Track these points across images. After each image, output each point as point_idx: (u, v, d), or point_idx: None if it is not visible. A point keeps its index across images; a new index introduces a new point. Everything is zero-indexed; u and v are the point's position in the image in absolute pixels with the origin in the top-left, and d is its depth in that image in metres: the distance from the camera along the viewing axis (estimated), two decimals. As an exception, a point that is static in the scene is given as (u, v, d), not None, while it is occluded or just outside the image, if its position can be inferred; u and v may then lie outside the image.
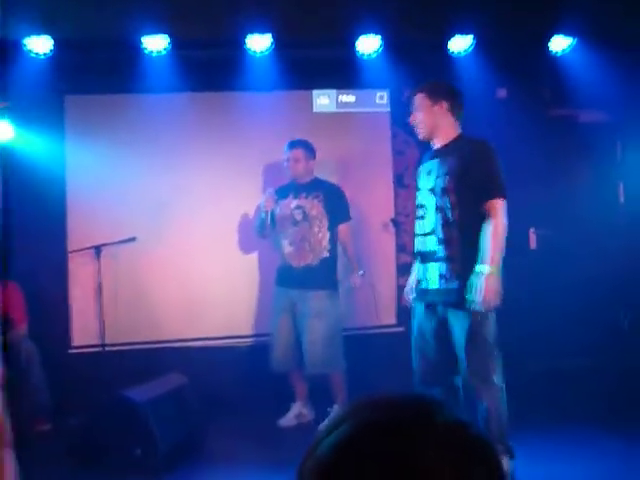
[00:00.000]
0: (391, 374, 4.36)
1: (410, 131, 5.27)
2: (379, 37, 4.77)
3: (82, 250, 4.79)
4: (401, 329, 5.19)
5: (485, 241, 2.98)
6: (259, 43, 4.67)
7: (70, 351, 4.93)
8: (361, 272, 4.43)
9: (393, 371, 4.40)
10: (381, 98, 5.27)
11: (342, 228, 4.41)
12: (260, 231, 4.52)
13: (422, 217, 3.20)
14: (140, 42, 4.54)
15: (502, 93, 5.29)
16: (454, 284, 3.05)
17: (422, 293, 3.25)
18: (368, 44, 4.78)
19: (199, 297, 5.03)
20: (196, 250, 5.04)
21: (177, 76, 4.67)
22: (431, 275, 3.15)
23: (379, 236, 5.23)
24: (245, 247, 5.10)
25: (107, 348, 4.76)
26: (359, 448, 0.62)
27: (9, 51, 4.55)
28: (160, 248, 4.98)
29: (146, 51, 4.56)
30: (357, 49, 4.81)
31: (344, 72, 5.07)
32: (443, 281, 3.09)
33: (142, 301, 4.98)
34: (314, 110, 5.19)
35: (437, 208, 3.11)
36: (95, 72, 4.80)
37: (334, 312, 4.37)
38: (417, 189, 3.29)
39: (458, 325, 3.07)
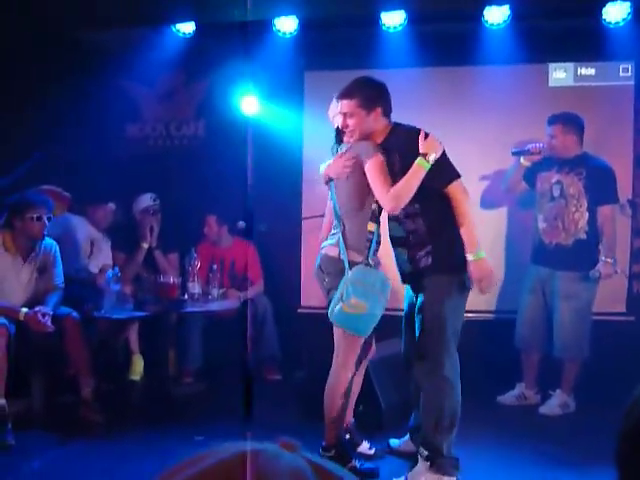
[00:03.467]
0: (618, 365, 4.11)
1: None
2: (628, 4, 4.45)
3: (314, 217, 5.10)
4: (631, 318, 4.88)
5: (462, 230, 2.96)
6: (496, 15, 4.60)
7: (299, 310, 5.31)
8: (610, 260, 4.15)
9: (620, 362, 4.16)
10: (625, 71, 4.89)
11: (602, 210, 4.17)
12: (504, 182, 4.56)
13: None
14: (379, 18, 4.69)
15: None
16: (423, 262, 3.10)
17: None
18: (615, 12, 4.48)
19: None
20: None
21: (413, 51, 4.76)
22: None
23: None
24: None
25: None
26: None
27: (259, 31, 4.96)
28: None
29: (384, 27, 4.71)
30: (602, 18, 4.53)
31: (584, 43, 4.80)
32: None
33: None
34: (550, 84, 4.98)
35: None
36: (333, 49, 5.05)
37: (585, 296, 4.21)
38: None
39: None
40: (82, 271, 4.65)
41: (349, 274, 3.00)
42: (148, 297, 4.44)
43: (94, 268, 4.72)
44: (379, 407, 3.73)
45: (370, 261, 3.03)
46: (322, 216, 5.01)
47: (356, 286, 2.97)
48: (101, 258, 4.78)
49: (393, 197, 2.91)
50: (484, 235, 5.04)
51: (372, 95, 3.07)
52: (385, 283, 3.04)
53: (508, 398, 4.41)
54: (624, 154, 4.92)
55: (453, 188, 2.96)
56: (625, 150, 4.93)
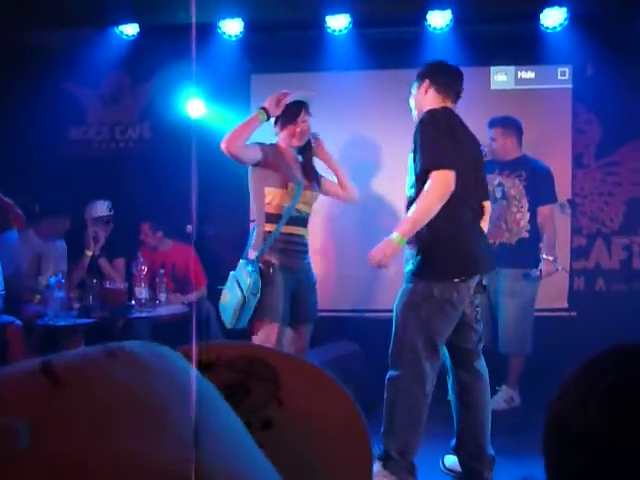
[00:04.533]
0: (562, 359, 4.24)
1: (592, 109, 5.09)
2: (565, 9, 4.60)
3: (262, 220, 5.10)
4: (573, 314, 5.04)
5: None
6: (439, 20, 4.69)
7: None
8: (551, 258, 4.29)
9: (564, 356, 4.28)
10: (563, 74, 5.06)
11: (541, 210, 4.32)
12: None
13: None
14: (324, 22, 4.72)
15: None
16: (408, 267, 2.94)
17: None
18: (553, 17, 4.63)
19: (373, 269, 5.19)
20: (373, 225, 5.19)
21: (358, 54, 4.81)
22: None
23: (555, 217, 5.07)
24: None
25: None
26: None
27: (204, 33, 4.93)
28: (337, 220, 5.18)
29: (329, 30, 4.75)
30: (541, 23, 4.67)
31: (524, 47, 4.95)
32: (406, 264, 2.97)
33: (318, 270, 5.22)
34: (492, 87, 5.11)
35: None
36: (280, 52, 5.05)
37: (528, 293, 4.32)
38: None
39: None
40: (29, 289, 4.48)
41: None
42: (95, 303, 4.36)
43: (43, 282, 4.54)
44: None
45: (257, 259, 3.19)
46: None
47: (229, 279, 3.22)
48: (52, 270, 4.61)
49: (225, 137, 3.14)
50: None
51: (423, 68, 3.16)
52: (253, 283, 3.12)
53: None
54: (563, 155, 5.08)
55: (430, 179, 2.76)
56: (564, 151, 5.09)
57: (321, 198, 3.66)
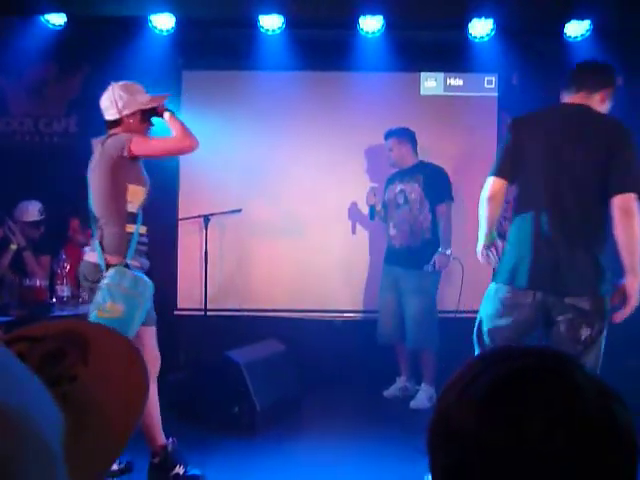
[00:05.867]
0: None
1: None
2: (491, 20, 4.74)
3: (191, 218, 5.04)
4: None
5: None
6: (371, 24, 4.75)
7: (175, 312, 5.23)
8: (447, 252, 4.48)
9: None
10: (489, 82, 5.22)
11: (439, 207, 4.53)
12: (369, 218, 4.84)
13: None
14: (257, 21, 4.70)
15: (619, 81, 5.10)
16: None
17: None
18: (481, 27, 4.76)
19: (299, 270, 5.21)
20: (299, 226, 5.21)
21: (290, 55, 4.82)
22: None
23: (477, 221, 5.20)
24: (348, 224, 5.23)
25: (208, 313, 5.00)
26: (518, 389, 0.67)
27: (135, 27, 4.84)
28: (265, 221, 5.17)
29: (262, 29, 4.73)
30: (469, 32, 4.79)
31: (453, 55, 5.07)
32: None
33: (244, 270, 5.22)
34: (421, 93, 5.21)
35: None
36: (212, 49, 5.02)
37: (433, 290, 4.54)
38: None
39: None
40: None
41: (105, 278, 2.91)
42: (13, 301, 4.21)
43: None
44: (254, 408, 3.74)
45: (131, 263, 2.94)
46: (199, 217, 4.98)
47: (111, 289, 2.87)
48: None
49: (185, 136, 3.08)
50: (340, 238, 5.23)
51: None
52: (146, 285, 2.92)
53: (393, 391, 4.68)
54: (489, 160, 5.17)
55: None
56: (489, 157, 5.19)
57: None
